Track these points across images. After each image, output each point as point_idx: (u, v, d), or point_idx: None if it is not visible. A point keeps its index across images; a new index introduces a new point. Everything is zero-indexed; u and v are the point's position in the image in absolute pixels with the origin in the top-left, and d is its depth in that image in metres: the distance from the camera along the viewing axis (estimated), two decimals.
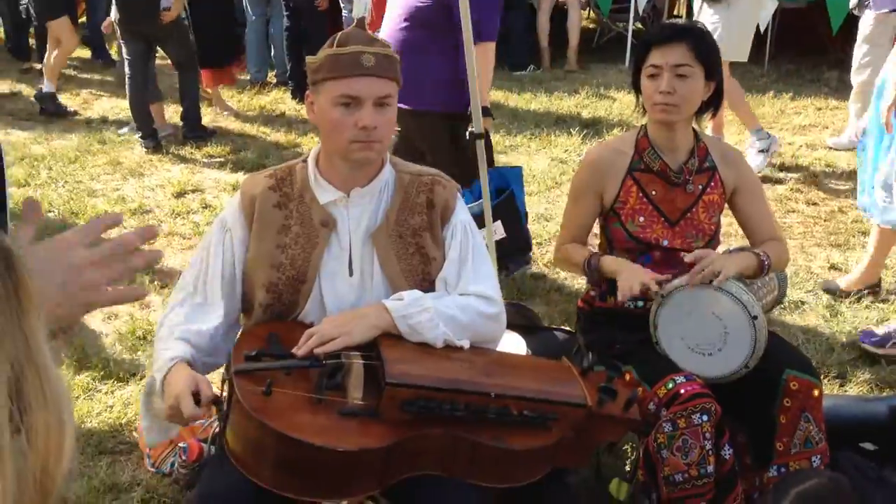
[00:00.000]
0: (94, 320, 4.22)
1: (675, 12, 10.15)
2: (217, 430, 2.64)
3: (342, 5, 8.06)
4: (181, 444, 3.00)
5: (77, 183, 6.21)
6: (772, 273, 2.84)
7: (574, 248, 2.87)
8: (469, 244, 2.37)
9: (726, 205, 2.91)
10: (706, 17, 6.06)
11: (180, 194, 5.95)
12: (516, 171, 4.52)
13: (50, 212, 5.54)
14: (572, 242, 2.89)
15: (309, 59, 2.30)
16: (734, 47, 5.96)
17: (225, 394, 2.11)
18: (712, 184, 2.83)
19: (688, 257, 2.61)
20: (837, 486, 2.47)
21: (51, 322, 1.25)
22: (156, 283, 4.49)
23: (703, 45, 2.73)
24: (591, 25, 11.33)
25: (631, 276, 2.61)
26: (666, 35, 2.76)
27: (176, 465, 3.02)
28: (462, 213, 2.41)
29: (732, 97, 6.05)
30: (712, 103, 2.83)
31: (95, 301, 1.31)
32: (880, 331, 3.97)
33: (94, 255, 1.30)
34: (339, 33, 2.26)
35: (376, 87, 2.20)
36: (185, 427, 2.27)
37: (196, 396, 2.05)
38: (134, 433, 3.32)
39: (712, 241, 2.83)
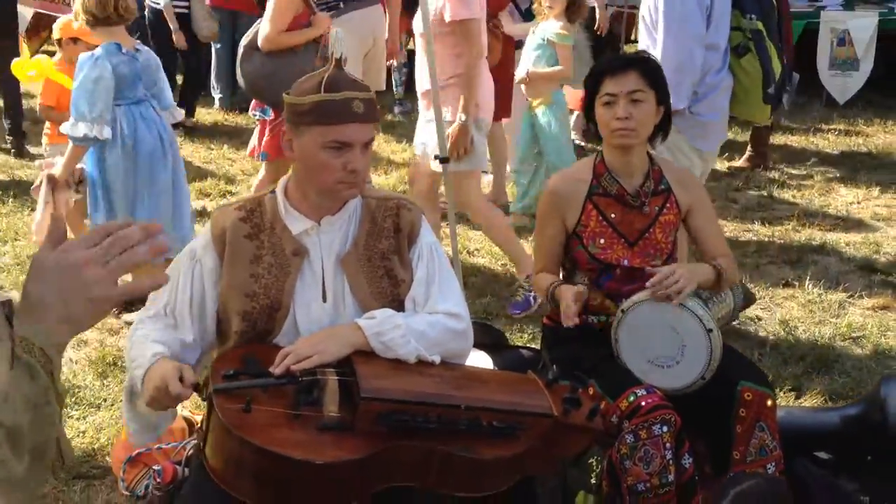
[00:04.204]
0: None
1: (633, 37, 10.28)
2: (190, 452, 2.70)
3: None
4: (155, 467, 3.02)
5: None
6: (727, 289, 2.99)
7: (543, 278, 2.99)
8: (435, 264, 2.46)
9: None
10: None
11: None
12: None
13: (17, 240, 5.53)
14: (545, 271, 3.01)
15: (290, 98, 2.32)
16: None
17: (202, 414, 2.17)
18: (668, 205, 2.96)
19: (650, 282, 2.69)
20: (774, 486, 2.59)
21: (64, 329, 1.31)
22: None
23: (652, 72, 2.90)
24: None
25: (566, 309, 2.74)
26: (618, 65, 2.91)
27: (150, 487, 3.04)
28: (427, 235, 2.50)
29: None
30: (662, 127, 2.97)
31: (104, 295, 1.31)
32: (520, 299, 4.64)
33: (91, 252, 1.31)
34: (326, 76, 2.28)
35: (364, 132, 2.29)
36: (165, 410, 2.34)
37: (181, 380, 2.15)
38: (107, 457, 3.35)
39: (670, 258, 2.95)
